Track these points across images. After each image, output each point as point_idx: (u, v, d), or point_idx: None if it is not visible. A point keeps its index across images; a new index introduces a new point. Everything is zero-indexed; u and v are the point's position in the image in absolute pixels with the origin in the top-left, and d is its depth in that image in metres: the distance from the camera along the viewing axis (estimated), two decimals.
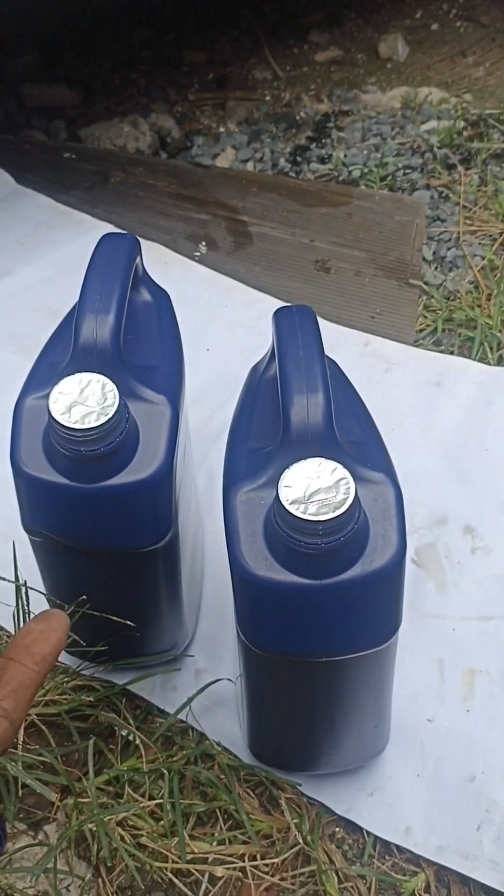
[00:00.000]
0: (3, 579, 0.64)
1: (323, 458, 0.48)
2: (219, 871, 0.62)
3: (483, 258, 1.10)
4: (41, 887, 0.62)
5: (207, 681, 0.69)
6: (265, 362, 0.61)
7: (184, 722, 0.69)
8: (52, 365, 0.57)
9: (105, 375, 0.52)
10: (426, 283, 1.07)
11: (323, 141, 1.33)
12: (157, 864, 0.62)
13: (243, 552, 0.50)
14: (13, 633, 0.71)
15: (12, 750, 0.63)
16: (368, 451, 0.54)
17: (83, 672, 0.69)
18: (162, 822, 0.63)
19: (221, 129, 1.37)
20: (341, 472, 0.47)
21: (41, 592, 0.64)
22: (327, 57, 1.52)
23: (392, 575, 0.50)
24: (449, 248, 1.13)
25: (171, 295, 0.66)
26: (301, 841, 0.64)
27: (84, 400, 0.51)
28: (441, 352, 0.99)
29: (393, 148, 1.30)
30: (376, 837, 0.65)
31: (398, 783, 0.67)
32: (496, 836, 0.64)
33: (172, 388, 0.58)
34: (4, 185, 1.18)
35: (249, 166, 1.29)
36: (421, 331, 1.02)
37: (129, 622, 0.61)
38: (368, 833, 0.65)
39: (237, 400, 0.61)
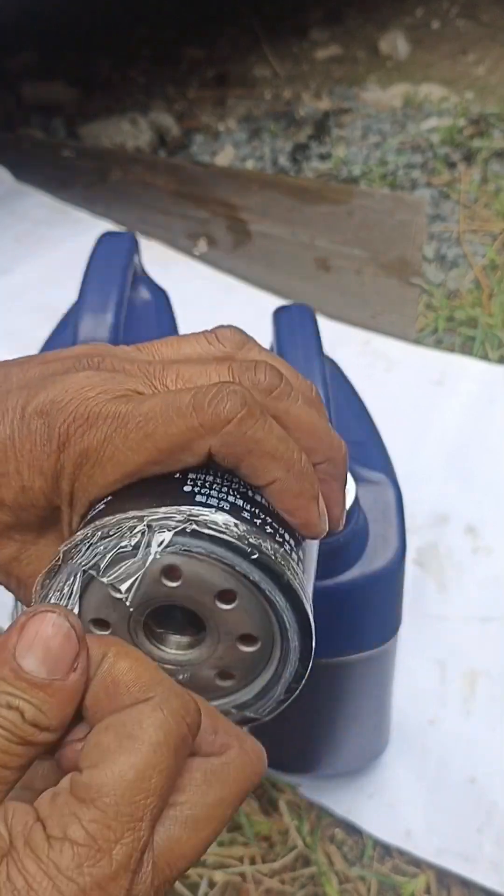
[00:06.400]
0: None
1: None
2: (217, 876, 0.62)
3: (484, 256, 1.10)
4: None
5: None
6: None
7: None
8: None
9: None
10: (427, 282, 1.07)
11: (323, 139, 1.33)
12: None
13: None
14: None
15: None
16: (368, 451, 0.54)
17: None
18: None
19: (221, 127, 1.37)
20: None
21: None
22: (328, 54, 1.52)
23: (391, 576, 0.50)
24: (450, 247, 1.12)
25: (170, 293, 0.65)
26: (301, 843, 0.64)
27: None
28: (442, 350, 0.98)
29: (393, 146, 1.29)
30: (376, 839, 0.65)
31: (398, 785, 0.67)
32: (497, 838, 0.64)
33: None
34: (3, 183, 1.18)
35: (249, 164, 1.28)
36: (422, 330, 1.01)
37: None
38: (369, 835, 0.65)
39: None
